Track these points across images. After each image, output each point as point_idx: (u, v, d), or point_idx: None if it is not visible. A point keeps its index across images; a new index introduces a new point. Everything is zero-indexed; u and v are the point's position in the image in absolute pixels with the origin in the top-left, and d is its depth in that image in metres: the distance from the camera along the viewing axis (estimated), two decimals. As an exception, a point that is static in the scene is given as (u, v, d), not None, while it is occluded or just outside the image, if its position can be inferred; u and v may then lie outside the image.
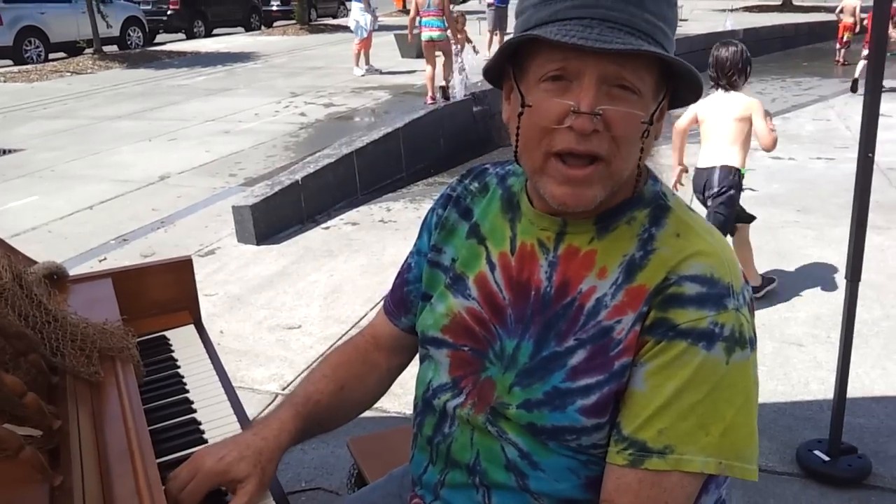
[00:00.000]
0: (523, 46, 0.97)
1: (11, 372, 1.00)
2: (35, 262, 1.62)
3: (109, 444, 1.06)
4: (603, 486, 0.99)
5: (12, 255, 1.39)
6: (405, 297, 1.27)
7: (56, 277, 1.61)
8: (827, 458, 2.53)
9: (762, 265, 4.33)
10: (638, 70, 0.93)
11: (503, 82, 1.06)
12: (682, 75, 0.97)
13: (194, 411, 1.37)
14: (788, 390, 3.05)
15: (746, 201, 5.48)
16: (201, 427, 1.32)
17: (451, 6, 8.52)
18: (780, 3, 27.23)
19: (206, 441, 1.27)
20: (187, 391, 1.44)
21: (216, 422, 1.34)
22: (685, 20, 21.28)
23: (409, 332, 1.27)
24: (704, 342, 0.93)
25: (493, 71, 1.05)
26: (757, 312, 3.60)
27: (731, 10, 25.60)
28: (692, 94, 1.00)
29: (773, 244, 4.67)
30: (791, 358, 3.30)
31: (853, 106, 9.26)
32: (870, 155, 2.31)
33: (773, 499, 2.43)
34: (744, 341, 0.96)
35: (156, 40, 20.32)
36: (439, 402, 1.13)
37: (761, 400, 2.96)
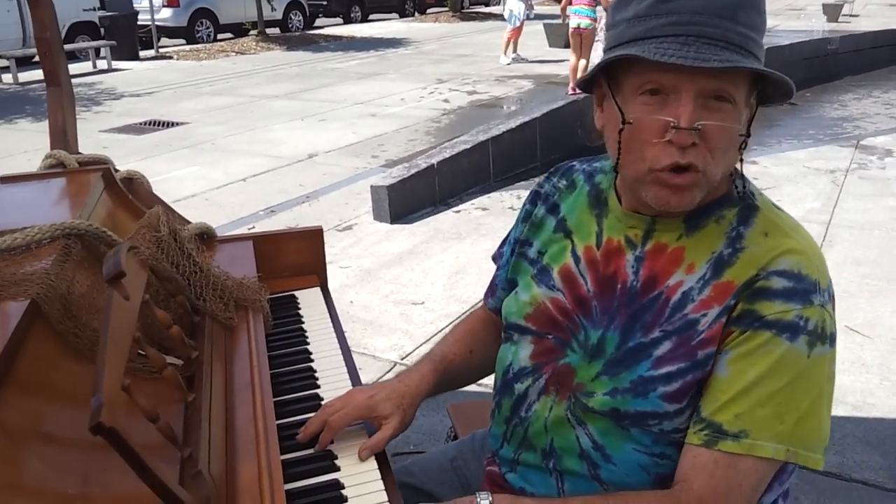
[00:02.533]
0: (619, 61, 1.02)
1: (162, 308, 1.20)
2: (189, 223, 1.85)
3: (236, 377, 1.26)
4: (679, 466, 1.04)
5: (171, 214, 1.62)
6: (493, 281, 1.41)
7: (206, 237, 1.83)
8: (941, 479, 2.45)
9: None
10: (734, 81, 0.98)
11: (594, 89, 1.13)
12: (771, 80, 1.01)
13: (312, 361, 1.55)
14: (911, 407, 2.95)
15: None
16: (316, 375, 1.49)
17: None
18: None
19: (319, 387, 1.45)
20: (308, 343, 1.63)
21: (328, 371, 1.51)
22: (855, 16, 20.01)
23: (497, 314, 1.38)
24: (789, 334, 0.99)
25: (588, 82, 1.12)
26: (888, 325, 3.52)
27: (911, 6, 23.76)
28: (783, 96, 1.05)
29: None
30: (920, 374, 3.17)
31: None
32: None
33: (877, 513, 2.39)
34: (825, 337, 1.00)
35: (315, 24, 21.24)
36: (521, 387, 1.21)
37: (878, 414, 2.92)
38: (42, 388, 1.01)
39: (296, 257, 1.99)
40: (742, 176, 1.12)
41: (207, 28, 17.35)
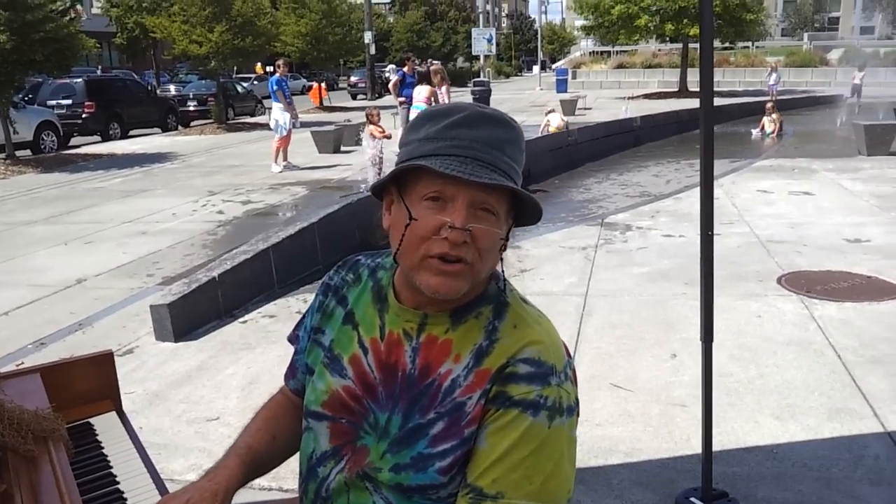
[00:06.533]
0: (409, 171, 1.23)
1: (-38, 448, 1.20)
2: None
3: (46, 507, 1.27)
4: None
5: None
6: (293, 364, 1.54)
7: (-12, 374, 1.80)
8: (701, 503, 2.83)
9: (652, 337, 4.71)
10: (498, 198, 1.22)
11: (384, 196, 1.32)
12: (526, 204, 1.27)
13: (118, 483, 1.57)
14: (671, 447, 3.35)
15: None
16: (124, 495, 1.52)
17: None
18: (677, 89, 29.22)
19: (128, 506, 1.48)
20: (111, 467, 1.64)
21: (137, 490, 1.55)
22: (589, 108, 22.57)
23: (297, 395, 1.51)
24: (532, 410, 1.21)
25: (380, 188, 1.32)
26: (645, 378, 3.98)
27: (632, 98, 27.30)
28: (533, 218, 1.30)
29: (662, 315, 5.07)
30: (675, 418, 3.62)
31: (739, 184, 10.03)
32: (710, 233, 2.69)
33: (654, 543, 2.70)
34: (562, 410, 1.24)
35: (70, 143, 20.26)
36: (324, 470, 1.35)
37: (646, 457, 3.29)
38: None
39: (87, 384, 1.99)
40: (497, 276, 1.36)
41: (-55, 155, 16.00)
